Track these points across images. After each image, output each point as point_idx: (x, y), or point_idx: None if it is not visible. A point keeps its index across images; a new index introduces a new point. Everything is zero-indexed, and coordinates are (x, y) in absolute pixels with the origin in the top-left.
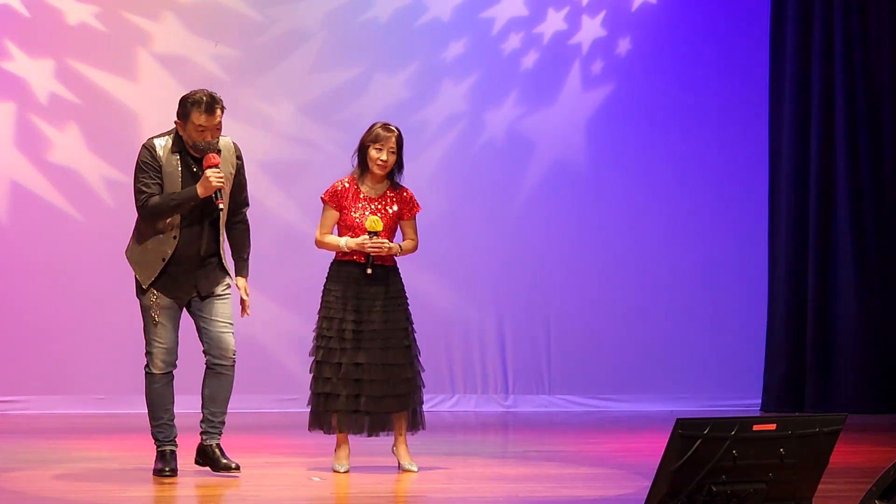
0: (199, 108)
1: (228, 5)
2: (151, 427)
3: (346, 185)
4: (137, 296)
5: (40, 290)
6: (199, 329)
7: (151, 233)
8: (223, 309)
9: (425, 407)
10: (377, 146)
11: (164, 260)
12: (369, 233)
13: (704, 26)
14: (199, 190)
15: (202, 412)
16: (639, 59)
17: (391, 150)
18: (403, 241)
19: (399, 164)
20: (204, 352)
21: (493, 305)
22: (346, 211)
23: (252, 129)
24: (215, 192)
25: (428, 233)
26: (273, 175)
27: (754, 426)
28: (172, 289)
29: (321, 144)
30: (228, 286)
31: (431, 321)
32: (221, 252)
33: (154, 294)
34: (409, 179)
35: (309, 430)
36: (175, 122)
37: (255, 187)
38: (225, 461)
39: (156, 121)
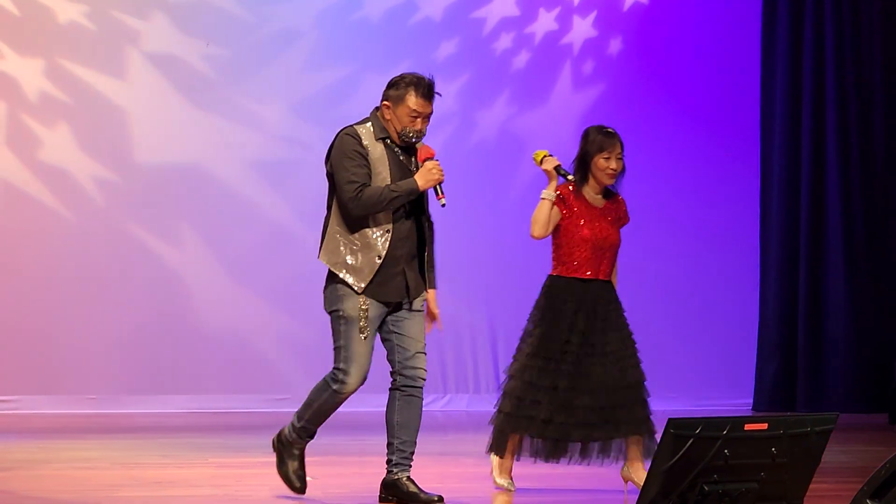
0: (417, 90)
1: (219, 5)
2: (302, 422)
3: (570, 190)
4: (333, 307)
5: (31, 289)
6: (390, 345)
7: (358, 231)
8: (420, 327)
9: None
10: (604, 155)
11: (379, 258)
12: (542, 161)
13: (696, 27)
14: (420, 182)
15: (391, 440)
16: (630, 60)
17: (618, 156)
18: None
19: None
20: (393, 372)
21: (485, 305)
22: (575, 221)
23: (243, 128)
24: (436, 187)
25: None
26: (264, 174)
27: (746, 426)
28: (384, 293)
29: (312, 144)
30: (424, 300)
31: None
32: (424, 256)
33: (364, 302)
34: None
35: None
36: (383, 105)
37: (247, 186)
38: (426, 495)
39: (146, 120)
